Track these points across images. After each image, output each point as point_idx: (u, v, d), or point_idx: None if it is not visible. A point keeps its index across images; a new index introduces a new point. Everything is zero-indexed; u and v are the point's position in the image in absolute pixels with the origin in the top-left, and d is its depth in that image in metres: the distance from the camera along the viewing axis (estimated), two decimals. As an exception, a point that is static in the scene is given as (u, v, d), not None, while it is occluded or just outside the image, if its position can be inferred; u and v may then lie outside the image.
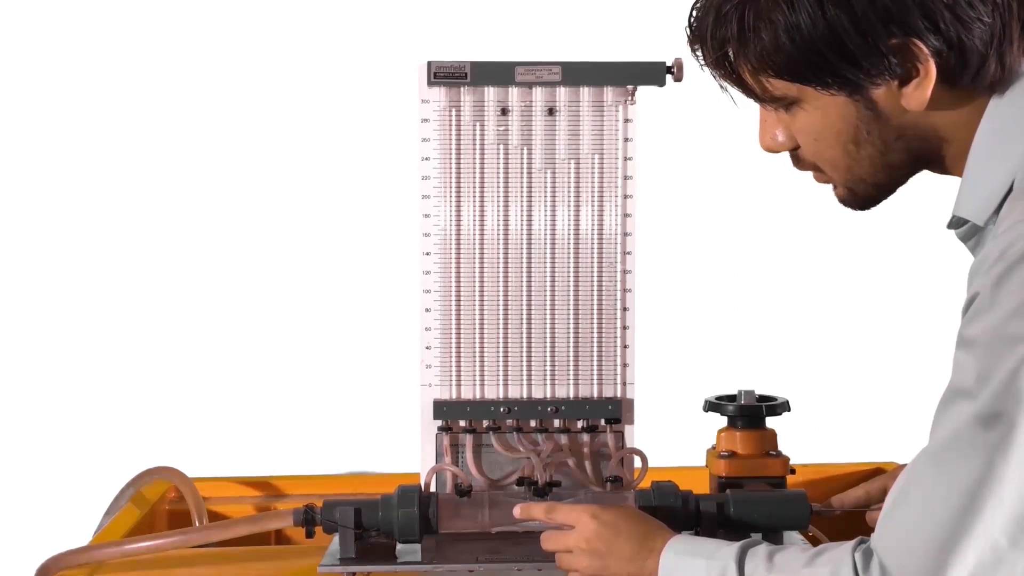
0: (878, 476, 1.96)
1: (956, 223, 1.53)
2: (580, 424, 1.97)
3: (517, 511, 1.77)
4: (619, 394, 1.98)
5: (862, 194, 1.56)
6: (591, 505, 1.71)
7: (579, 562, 1.67)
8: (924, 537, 1.39)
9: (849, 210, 1.59)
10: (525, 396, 1.98)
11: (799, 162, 1.58)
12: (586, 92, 1.95)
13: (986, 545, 1.36)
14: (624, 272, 1.97)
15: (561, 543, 1.70)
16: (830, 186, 1.60)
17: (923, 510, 1.40)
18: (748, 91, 1.56)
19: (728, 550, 1.55)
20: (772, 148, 1.59)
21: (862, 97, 1.47)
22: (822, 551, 1.49)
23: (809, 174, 1.61)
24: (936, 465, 1.40)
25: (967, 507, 1.37)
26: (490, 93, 1.95)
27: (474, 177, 1.96)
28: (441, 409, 1.96)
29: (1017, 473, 1.35)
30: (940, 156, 1.52)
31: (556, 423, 1.97)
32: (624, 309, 1.98)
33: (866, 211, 1.59)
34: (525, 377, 1.98)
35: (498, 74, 1.94)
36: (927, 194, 3.13)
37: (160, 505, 2.34)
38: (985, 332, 1.38)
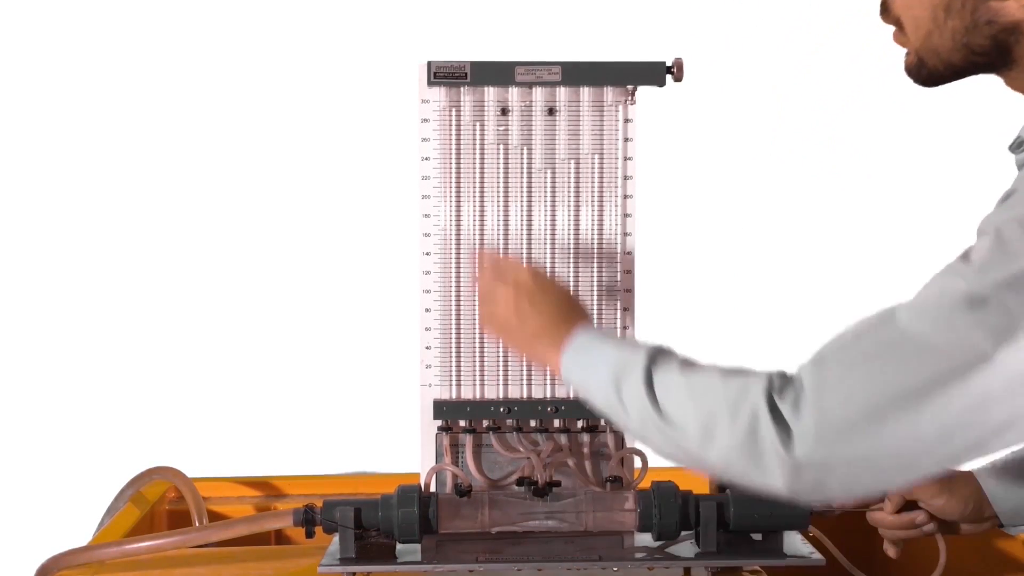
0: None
1: (1018, 145, 1.54)
2: (580, 424, 1.97)
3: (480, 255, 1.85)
4: (619, 394, 1.98)
5: (930, 67, 1.53)
6: (530, 267, 1.76)
7: (499, 309, 1.72)
8: (865, 391, 1.38)
9: (912, 82, 1.56)
10: (525, 396, 1.97)
11: (886, 13, 1.55)
12: (586, 92, 1.95)
13: (923, 429, 1.36)
14: (624, 272, 1.97)
15: (488, 285, 1.75)
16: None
17: (877, 367, 1.38)
18: None
19: (640, 351, 1.56)
20: None
21: None
22: (740, 369, 1.49)
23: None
24: (905, 327, 1.39)
25: (928, 384, 1.35)
26: (490, 93, 1.95)
27: (474, 177, 1.96)
28: (441, 409, 1.96)
29: (994, 371, 1.34)
30: (1017, 59, 1.49)
31: (556, 423, 1.97)
32: (624, 309, 1.97)
33: (927, 88, 1.56)
34: (525, 377, 1.97)
35: (498, 74, 1.94)
36: (926, 194, 3.14)
37: (160, 505, 2.34)
38: (1009, 223, 1.36)
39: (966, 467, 1.90)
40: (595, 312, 1.97)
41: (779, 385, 1.44)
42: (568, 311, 1.70)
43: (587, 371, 1.60)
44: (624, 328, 1.97)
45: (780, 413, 1.41)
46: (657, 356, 1.55)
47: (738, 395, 1.45)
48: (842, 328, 1.46)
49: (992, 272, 1.36)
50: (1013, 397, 1.35)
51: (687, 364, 1.54)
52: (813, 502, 1.48)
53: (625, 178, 1.96)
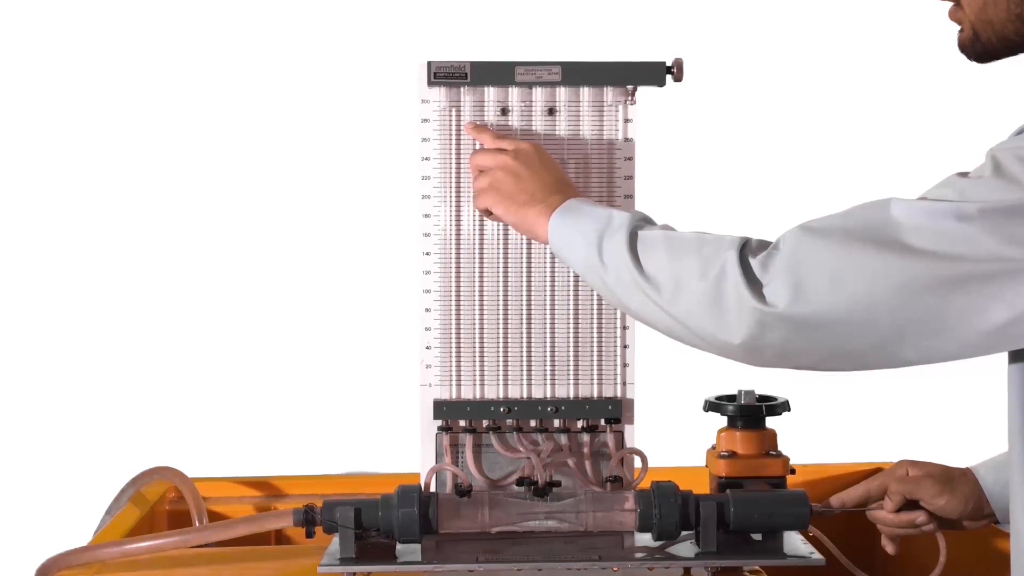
0: (878, 474, 1.96)
1: None
2: (580, 424, 1.97)
3: (468, 127, 1.90)
4: (619, 394, 1.98)
5: (984, 40, 1.55)
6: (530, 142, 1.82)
7: (496, 176, 1.79)
8: (838, 260, 1.45)
9: (966, 58, 1.59)
10: (525, 396, 1.97)
11: None
12: (586, 92, 1.95)
13: (880, 311, 1.42)
14: (624, 272, 1.97)
15: (487, 158, 1.81)
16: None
17: (856, 242, 1.45)
18: None
19: (628, 214, 1.65)
20: None
21: None
22: (710, 234, 1.58)
23: None
24: (894, 216, 1.44)
25: (897, 270, 1.42)
26: (490, 93, 1.95)
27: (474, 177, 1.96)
28: (441, 409, 1.96)
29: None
30: None
31: (556, 423, 1.97)
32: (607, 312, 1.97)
33: (980, 64, 1.59)
34: (525, 377, 1.97)
35: (498, 74, 1.94)
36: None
37: (160, 505, 2.34)
38: (1009, 154, 1.42)
39: (965, 464, 1.90)
40: (595, 312, 1.97)
41: (755, 246, 1.52)
42: (563, 184, 1.78)
43: (573, 231, 1.68)
44: (624, 328, 1.97)
45: (751, 269, 1.49)
46: (643, 219, 1.65)
47: (712, 252, 1.53)
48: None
49: (982, 193, 1.43)
50: (970, 305, 1.42)
51: (669, 228, 1.64)
52: (771, 364, 1.53)
53: (625, 178, 1.96)
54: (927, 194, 1.49)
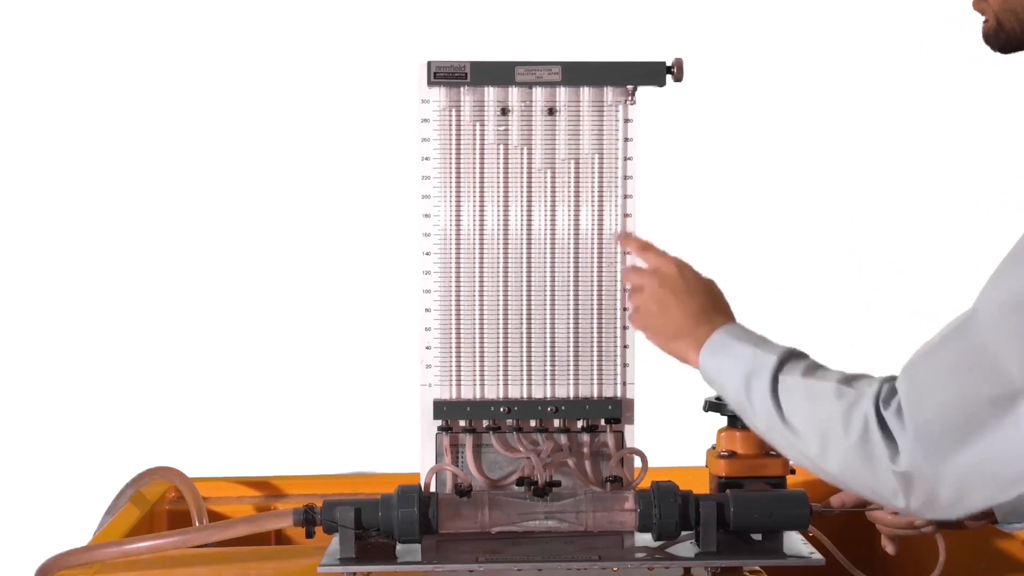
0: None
1: None
2: (580, 424, 1.97)
3: (618, 237, 1.91)
4: (619, 394, 1.98)
5: (1008, 30, 1.55)
6: (680, 261, 1.80)
7: (644, 302, 1.77)
8: (957, 400, 1.40)
9: (990, 49, 1.58)
10: (525, 396, 1.97)
11: None
12: (586, 92, 1.95)
13: (1021, 433, 1.38)
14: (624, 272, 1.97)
15: (637, 279, 1.79)
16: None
17: (963, 376, 1.41)
18: None
19: (771, 356, 1.61)
20: None
21: None
22: (858, 377, 1.53)
23: None
24: (982, 335, 1.41)
25: (1015, 388, 1.38)
26: (490, 93, 1.95)
27: (474, 177, 1.96)
28: (441, 409, 1.96)
29: None
30: None
31: (556, 423, 1.97)
32: (624, 309, 1.97)
33: (1003, 54, 1.58)
34: (525, 377, 1.97)
35: (498, 74, 1.94)
36: (928, 193, 3.14)
37: (160, 505, 2.34)
38: None
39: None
40: (595, 312, 1.97)
41: (887, 394, 1.48)
42: (711, 309, 1.74)
43: (722, 370, 1.66)
44: (624, 328, 1.97)
45: (887, 424, 1.45)
46: (787, 360, 1.61)
47: (851, 404, 1.49)
48: (931, 335, 1.49)
49: None
50: None
51: (812, 369, 1.59)
52: (934, 517, 1.55)
53: (625, 178, 1.96)
54: (999, 277, 1.44)
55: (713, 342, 1.68)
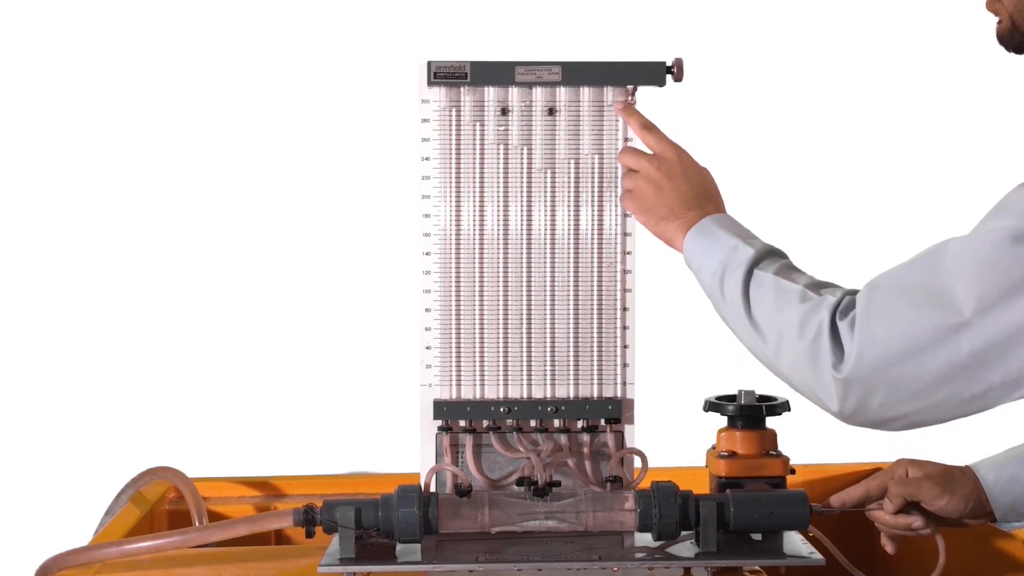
0: (878, 473, 1.96)
1: None
2: (580, 424, 1.97)
3: (619, 108, 1.90)
4: (619, 394, 1.98)
5: (1023, 31, 1.56)
6: (678, 146, 1.84)
7: (638, 184, 1.81)
8: (907, 318, 1.48)
9: (1004, 50, 1.60)
10: (525, 396, 1.97)
11: None
12: (586, 92, 1.95)
13: (960, 357, 1.45)
14: (624, 272, 1.97)
15: (633, 161, 1.84)
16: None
17: (921, 296, 1.48)
18: None
19: (748, 250, 1.68)
20: None
21: None
22: (825, 284, 1.61)
23: None
24: (953, 259, 1.47)
25: (968, 312, 1.45)
26: (490, 93, 1.95)
27: (474, 177, 1.96)
28: (441, 409, 1.96)
29: None
30: None
31: (556, 423, 1.97)
32: (624, 309, 1.97)
33: (1018, 55, 1.59)
34: (525, 377, 1.97)
35: (498, 74, 1.94)
36: (928, 194, 3.13)
37: (160, 505, 2.34)
38: None
39: (964, 462, 1.90)
40: (595, 312, 1.97)
41: (845, 305, 1.55)
42: (703, 196, 1.80)
43: (702, 256, 1.72)
44: (624, 328, 1.97)
45: (839, 333, 1.53)
46: (765, 256, 1.68)
47: (811, 309, 1.56)
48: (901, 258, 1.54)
49: None
50: None
51: (787, 269, 1.66)
52: (862, 424, 1.59)
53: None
54: (982, 222, 1.51)
55: (699, 227, 1.74)
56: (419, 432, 1.98)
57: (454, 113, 1.95)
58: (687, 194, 1.79)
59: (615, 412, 1.96)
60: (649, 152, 1.87)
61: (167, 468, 2.34)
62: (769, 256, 1.69)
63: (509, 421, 1.96)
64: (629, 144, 1.92)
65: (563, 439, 1.97)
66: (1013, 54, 1.59)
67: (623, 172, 1.89)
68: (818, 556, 1.83)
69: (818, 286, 1.62)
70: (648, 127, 1.87)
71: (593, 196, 1.96)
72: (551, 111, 1.95)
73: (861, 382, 1.51)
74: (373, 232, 2.96)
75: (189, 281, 3.04)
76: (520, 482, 1.94)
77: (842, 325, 1.53)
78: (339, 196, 3.01)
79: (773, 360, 1.62)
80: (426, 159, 1.96)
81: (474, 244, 1.96)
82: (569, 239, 1.96)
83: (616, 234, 1.96)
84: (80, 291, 3.04)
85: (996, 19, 1.59)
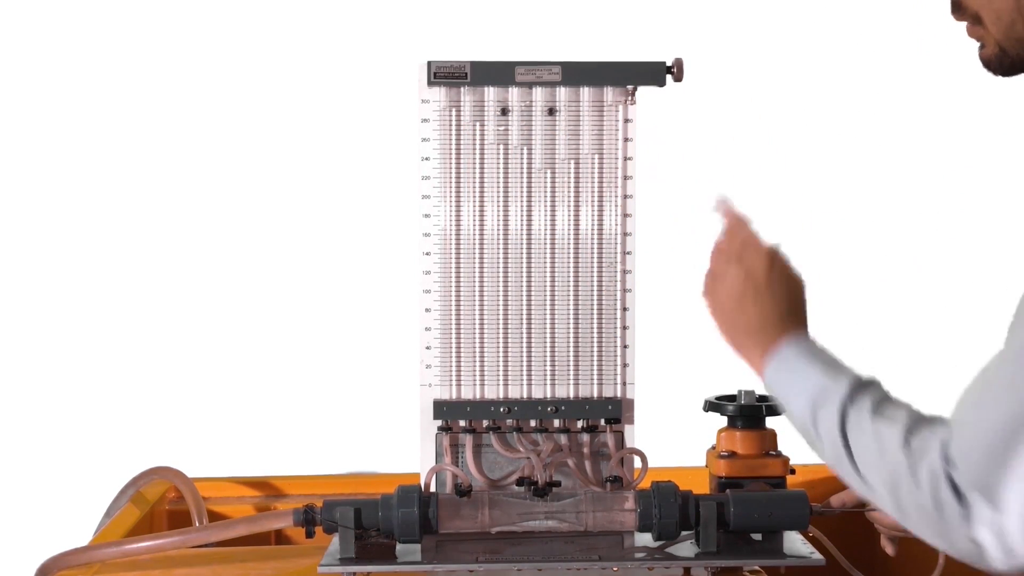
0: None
1: None
2: (580, 424, 1.97)
3: (720, 207, 1.74)
4: (619, 394, 1.98)
5: (1012, 56, 1.50)
6: (777, 252, 1.67)
7: (721, 293, 1.65)
8: (992, 431, 1.36)
9: (990, 73, 1.54)
10: (525, 396, 1.97)
11: (959, 10, 1.53)
12: (586, 92, 1.95)
13: None
14: (624, 272, 1.97)
15: (722, 265, 1.68)
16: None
17: (998, 403, 1.37)
18: None
19: (843, 383, 1.52)
20: None
21: None
22: (925, 422, 1.46)
23: None
24: (1015, 362, 1.36)
25: None
26: (490, 93, 1.95)
27: (474, 177, 1.96)
28: (441, 409, 1.96)
29: None
30: None
31: (556, 423, 1.97)
32: (624, 309, 1.97)
33: (1007, 77, 1.53)
34: (525, 377, 1.98)
35: (498, 74, 1.94)
36: (928, 194, 3.13)
37: (160, 505, 2.34)
38: None
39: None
40: (595, 312, 1.97)
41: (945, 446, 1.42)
42: (787, 313, 1.63)
43: (787, 389, 1.57)
44: (624, 328, 1.97)
45: (956, 484, 1.40)
46: (856, 393, 1.52)
47: (918, 456, 1.43)
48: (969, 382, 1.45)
49: None
50: None
51: (881, 405, 1.51)
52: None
53: (625, 178, 1.96)
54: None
55: (781, 355, 1.59)
56: (419, 432, 1.98)
57: (454, 113, 1.95)
58: (770, 312, 1.62)
59: (615, 412, 1.97)
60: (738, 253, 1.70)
61: (167, 468, 2.34)
62: (860, 390, 1.53)
63: (509, 421, 1.96)
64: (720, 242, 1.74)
65: (563, 439, 1.97)
66: (1001, 77, 1.53)
67: (710, 268, 1.71)
68: (818, 556, 1.83)
69: (917, 425, 1.47)
70: (741, 224, 1.73)
71: (593, 196, 1.96)
72: (551, 111, 1.95)
73: (989, 523, 1.37)
74: (373, 232, 2.96)
75: (189, 281, 3.04)
76: (520, 482, 1.94)
77: (958, 476, 1.39)
78: (339, 196, 3.01)
79: (895, 515, 1.46)
80: (426, 159, 1.96)
81: (474, 244, 1.96)
82: (569, 239, 1.96)
83: (616, 234, 1.96)
84: (80, 291, 3.04)
85: (979, 45, 1.53)
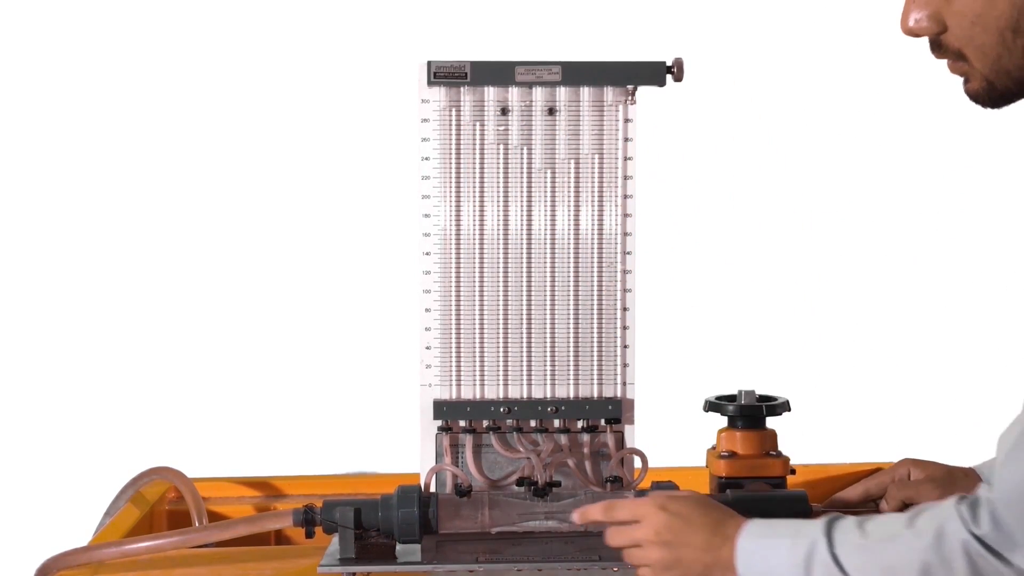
0: (878, 473, 1.96)
1: None
2: (580, 424, 1.97)
3: (576, 517, 1.71)
4: (619, 394, 1.98)
5: (1001, 88, 1.49)
6: (657, 495, 1.66)
7: (649, 555, 1.63)
8: None
9: (979, 107, 1.53)
10: (525, 396, 1.97)
11: (939, 49, 1.52)
12: (586, 92, 1.95)
13: None
14: (624, 272, 1.97)
15: (629, 537, 1.65)
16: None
17: None
18: None
19: (812, 527, 1.52)
20: (915, 31, 1.52)
21: None
22: (919, 512, 1.46)
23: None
24: None
25: None
26: (490, 93, 1.95)
27: (474, 177, 1.96)
28: (441, 409, 1.96)
29: None
30: None
31: (556, 423, 1.97)
32: (624, 309, 1.97)
33: (996, 109, 1.53)
34: (525, 377, 1.98)
35: (498, 74, 1.94)
36: (925, 197, 3.13)
37: (160, 505, 2.34)
38: None
39: (968, 462, 1.90)
40: (595, 312, 1.97)
41: (969, 512, 1.42)
42: (717, 525, 1.61)
43: (766, 564, 1.55)
44: (624, 328, 1.97)
45: (985, 541, 1.40)
46: (831, 527, 1.51)
47: (936, 538, 1.42)
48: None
49: None
50: None
51: (861, 525, 1.50)
52: None
53: (625, 178, 1.96)
54: None
55: (743, 552, 1.57)
56: (419, 432, 1.98)
57: (454, 113, 1.95)
58: (703, 538, 1.60)
59: (615, 412, 1.97)
60: (633, 522, 1.67)
61: (167, 468, 2.34)
62: (832, 525, 1.52)
63: (509, 421, 1.96)
64: (613, 518, 1.70)
65: (563, 439, 1.97)
66: (990, 109, 1.52)
67: (625, 554, 1.67)
68: (818, 556, 1.83)
69: (914, 518, 1.47)
70: (611, 506, 1.69)
71: (593, 196, 1.96)
72: (551, 111, 1.95)
73: None
74: (373, 232, 2.96)
75: (189, 281, 3.04)
76: (520, 482, 1.94)
77: (980, 528, 1.40)
78: (339, 196, 3.01)
79: None
80: (426, 159, 1.96)
81: (474, 244, 1.96)
82: (569, 239, 1.96)
83: (616, 234, 1.96)
84: (80, 291, 3.04)
85: (963, 80, 1.52)
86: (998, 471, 1.42)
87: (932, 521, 1.44)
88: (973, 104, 1.53)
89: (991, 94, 1.50)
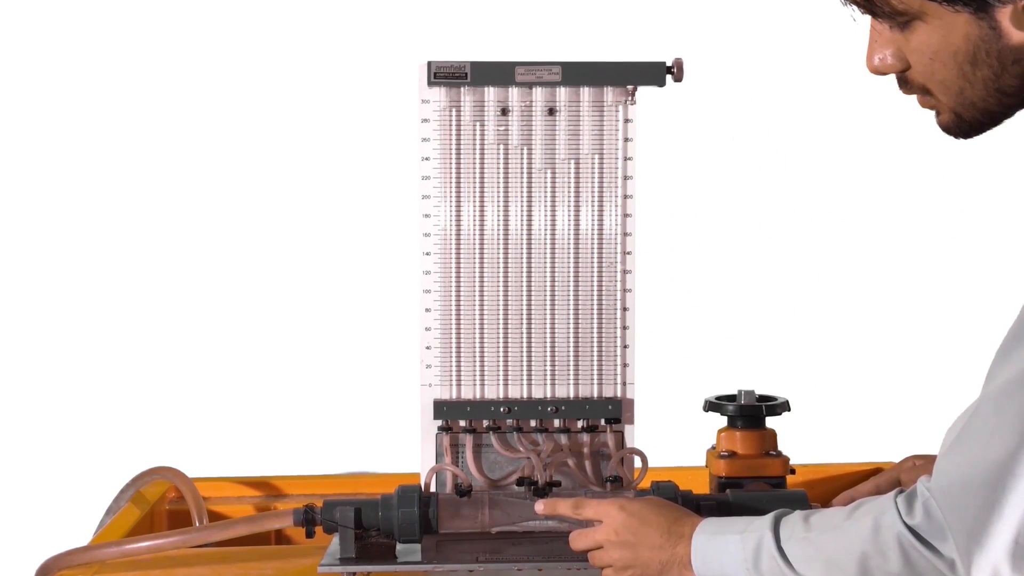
0: (887, 470, 1.96)
1: None
2: (580, 424, 1.97)
3: (540, 507, 1.79)
4: (619, 394, 1.98)
5: (968, 120, 1.50)
6: (618, 498, 1.72)
7: (610, 555, 1.68)
8: (977, 477, 1.39)
9: (951, 138, 1.54)
10: (525, 396, 1.98)
11: (906, 85, 1.54)
12: (586, 92, 1.95)
13: None
14: (624, 272, 1.97)
15: (591, 539, 1.71)
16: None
17: (978, 451, 1.39)
18: (867, 3, 1.53)
19: (761, 521, 1.57)
20: (880, 70, 1.55)
21: (987, 15, 1.43)
22: (860, 504, 1.50)
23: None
24: (996, 407, 1.39)
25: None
26: (490, 93, 1.95)
27: (474, 177, 1.96)
28: (441, 409, 1.96)
29: None
30: None
31: (556, 423, 1.97)
32: (624, 309, 1.97)
33: (969, 139, 1.53)
34: (525, 377, 1.98)
35: (498, 74, 1.94)
36: (925, 197, 3.13)
37: (160, 505, 2.34)
38: None
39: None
40: (595, 312, 1.97)
41: (904, 504, 1.46)
42: (673, 524, 1.66)
43: (717, 560, 1.60)
44: (624, 328, 1.98)
45: (917, 532, 1.43)
46: (778, 522, 1.56)
47: (873, 530, 1.46)
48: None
49: None
50: None
51: (808, 517, 1.55)
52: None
53: (625, 178, 1.96)
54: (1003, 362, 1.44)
55: (698, 549, 1.61)
56: (419, 432, 1.98)
57: (454, 113, 1.95)
58: (660, 536, 1.65)
59: (615, 412, 1.97)
60: (595, 524, 1.72)
61: (167, 468, 2.34)
62: (778, 521, 1.57)
63: (509, 421, 1.96)
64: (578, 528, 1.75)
65: (563, 439, 1.97)
66: (962, 139, 1.53)
67: (589, 556, 1.72)
68: (818, 556, 1.83)
69: (854, 509, 1.51)
70: (578, 504, 1.75)
71: (593, 196, 1.96)
72: (551, 111, 1.95)
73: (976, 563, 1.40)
74: (373, 232, 2.97)
75: (189, 281, 3.04)
76: (520, 482, 1.94)
77: (914, 518, 1.44)
78: (339, 196, 3.01)
79: None
80: (426, 159, 1.96)
81: (474, 244, 1.96)
82: (569, 239, 1.96)
83: (616, 234, 1.96)
84: (80, 291, 3.04)
85: (934, 112, 1.53)
86: (937, 463, 1.46)
87: (870, 513, 1.48)
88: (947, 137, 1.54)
89: (960, 126, 1.52)
